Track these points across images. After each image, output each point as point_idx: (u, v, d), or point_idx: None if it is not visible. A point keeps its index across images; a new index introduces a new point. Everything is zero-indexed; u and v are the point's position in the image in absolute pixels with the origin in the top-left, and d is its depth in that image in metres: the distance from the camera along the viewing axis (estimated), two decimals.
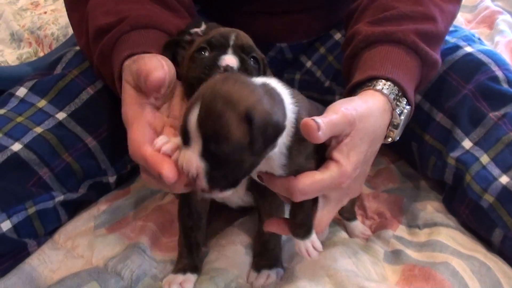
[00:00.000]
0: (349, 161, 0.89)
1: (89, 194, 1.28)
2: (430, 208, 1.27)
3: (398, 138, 1.01)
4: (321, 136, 0.82)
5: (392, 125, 0.99)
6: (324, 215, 0.93)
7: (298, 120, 0.82)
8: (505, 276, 1.08)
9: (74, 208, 1.26)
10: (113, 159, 1.28)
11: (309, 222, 0.92)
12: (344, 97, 0.99)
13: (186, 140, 0.76)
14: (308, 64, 1.53)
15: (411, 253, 1.15)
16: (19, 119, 1.19)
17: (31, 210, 1.13)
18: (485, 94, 1.21)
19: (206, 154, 0.74)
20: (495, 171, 1.14)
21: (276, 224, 0.96)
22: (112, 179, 1.31)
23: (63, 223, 1.23)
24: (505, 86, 1.22)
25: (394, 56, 1.04)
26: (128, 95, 0.94)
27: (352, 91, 1.03)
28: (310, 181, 0.86)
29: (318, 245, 0.94)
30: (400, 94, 1.00)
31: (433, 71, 1.13)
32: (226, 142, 0.73)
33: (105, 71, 1.10)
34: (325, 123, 0.82)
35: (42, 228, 1.16)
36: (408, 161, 1.42)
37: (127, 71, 0.96)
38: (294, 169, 0.86)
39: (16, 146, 1.14)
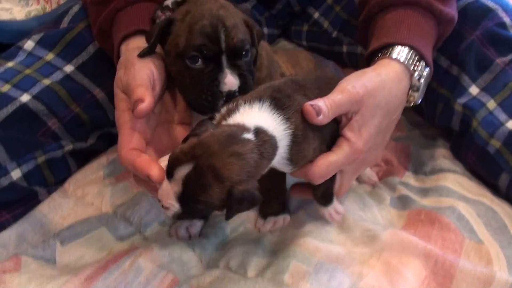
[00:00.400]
0: (361, 138, 0.93)
1: (98, 144, 1.28)
2: (437, 155, 1.26)
3: (420, 101, 1.03)
4: (323, 119, 0.87)
5: (412, 89, 1.02)
6: (342, 185, 1.00)
7: (292, 139, 0.86)
8: (511, 219, 1.08)
9: (83, 158, 1.26)
10: None
11: (329, 192, 1.01)
12: (363, 66, 1.01)
13: (169, 176, 0.80)
14: (316, 15, 1.51)
15: (417, 198, 1.15)
16: (28, 71, 1.19)
17: (41, 159, 1.14)
18: (492, 40, 1.19)
19: (181, 201, 0.80)
20: (501, 116, 1.13)
21: (300, 191, 1.05)
22: None
23: (72, 172, 1.24)
24: None
25: (409, 20, 1.03)
26: (119, 100, 0.96)
27: (369, 59, 1.04)
28: (326, 165, 0.91)
29: (340, 209, 1.05)
30: (417, 58, 1.00)
31: (450, 27, 1.12)
32: (204, 205, 0.79)
33: (106, 47, 1.15)
34: (327, 105, 0.87)
35: (52, 177, 1.17)
36: (415, 109, 1.40)
37: (118, 79, 0.98)
38: (304, 163, 0.91)
39: (25, 97, 1.15)
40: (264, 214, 1.11)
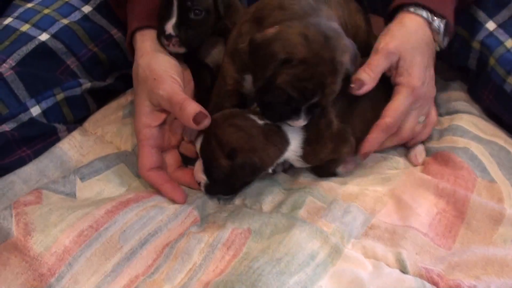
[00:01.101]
0: (412, 76, 1.02)
1: (116, 85, 1.28)
2: (454, 97, 1.24)
3: (446, 44, 1.08)
4: (369, 87, 0.99)
5: (435, 32, 1.07)
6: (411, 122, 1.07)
7: (305, 141, 0.99)
8: None
9: (102, 97, 1.27)
10: None
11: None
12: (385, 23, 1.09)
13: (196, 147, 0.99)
14: None
15: (434, 144, 1.15)
16: (46, 11, 1.20)
17: (60, 97, 1.15)
18: None
19: (206, 171, 0.98)
20: None
21: None
22: None
23: (92, 112, 1.25)
24: None
25: None
26: (144, 113, 1.04)
27: (390, 15, 1.10)
28: (392, 114, 1.01)
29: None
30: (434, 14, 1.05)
31: None
32: (216, 169, 0.95)
33: (121, 16, 1.19)
34: (367, 72, 0.99)
35: (71, 115, 1.18)
36: None
37: (142, 84, 1.04)
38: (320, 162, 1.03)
39: (44, 36, 1.16)
40: None
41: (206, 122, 0.95)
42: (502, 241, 0.93)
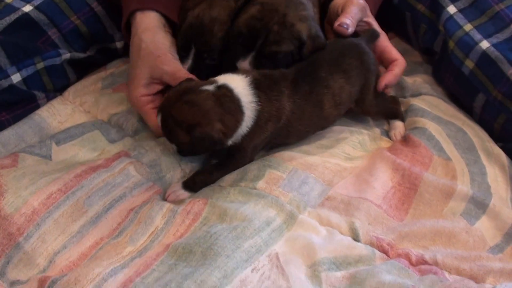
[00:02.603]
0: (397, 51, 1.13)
1: (96, 57, 1.27)
2: (419, 80, 1.24)
3: None
4: (351, 31, 1.07)
5: None
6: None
7: (257, 116, 0.96)
8: (480, 139, 1.08)
9: (82, 68, 1.25)
10: (120, 25, 1.25)
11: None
12: None
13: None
14: None
15: None
16: None
17: (40, 65, 1.14)
18: None
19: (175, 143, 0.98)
20: (476, 36, 1.11)
21: None
22: (119, 44, 1.30)
23: (71, 82, 1.24)
24: None
25: None
26: (141, 84, 1.08)
27: None
28: (391, 79, 1.09)
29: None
30: None
31: None
32: (181, 144, 0.96)
33: None
34: (350, 18, 1.07)
35: (51, 83, 1.17)
36: (402, 35, 1.37)
37: (145, 58, 1.07)
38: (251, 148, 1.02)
39: (27, 8, 1.14)
40: None
41: None
42: (451, 214, 0.94)
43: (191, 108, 0.92)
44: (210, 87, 0.94)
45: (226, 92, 0.94)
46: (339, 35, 1.08)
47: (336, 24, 1.07)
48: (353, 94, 1.06)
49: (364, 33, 1.11)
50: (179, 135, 0.93)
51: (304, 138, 1.06)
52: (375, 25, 1.13)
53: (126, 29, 1.14)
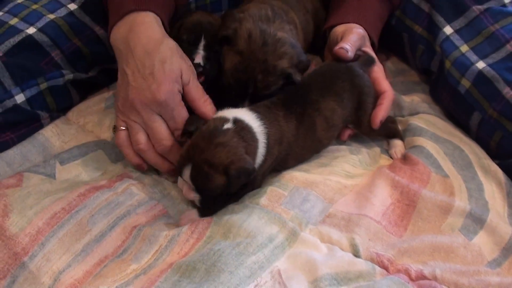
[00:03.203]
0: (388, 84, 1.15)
1: (98, 78, 1.29)
2: (417, 99, 1.26)
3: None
4: (351, 55, 1.10)
5: None
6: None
7: (267, 141, 0.99)
8: (476, 157, 1.09)
9: (84, 89, 1.27)
10: None
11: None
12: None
13: (181, 176, 0.96)
14: None
15: None
16: (34, 6, 1.21)
17: (43, 86, 1.15)
18: None
19: (199, 191, 0.96)
20: (472, 57, 1.13)
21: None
22: None
23: (74, 102, 1.25)
24: None
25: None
26: (177, 81, 1.03)
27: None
28: (390, 88, 1.13)
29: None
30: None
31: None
32: (212, 190, 0.94)
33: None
34: (349, 45, 1.10)
35: (54, 104, 1.19)
36: (400, 55, 1.39)
37: (177, 69, 1.02)
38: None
39: (31, 30, 1.16)
40: None
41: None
42: (450, 229, 0.95)
43: (223, 149, 0.92)
44: (230, 125, 0.96)
45: (241, 125, 0.96)
46: (338, 60, 1.11)
47: (337, 48, 1.09)
48: (345, 117, 1.08)
49: (360, 59, 1.14)
50: (215, 179, 0.92)
51: (302, 162, 1.08)
52: (372, 54, 1.16)
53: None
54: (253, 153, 0.96)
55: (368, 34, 1.18)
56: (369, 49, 1.17)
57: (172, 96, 1.00)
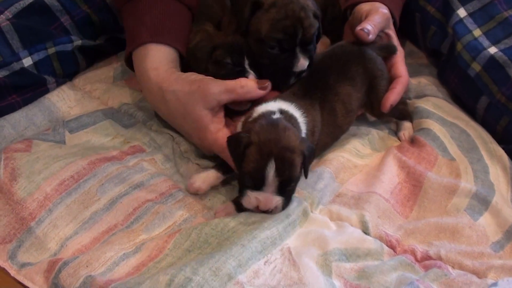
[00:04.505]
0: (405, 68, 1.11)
1: (106, 45, 1.27)
2: (424, 81, 1.25)
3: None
4: (372, 38, 1.05)
5: None
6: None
7: (308, 128, 0.96)
8: (482, 141, 1.09)
9: (91, 56, 1.25)
10: None
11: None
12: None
13: (258, 185, 0.87)
14: None
15: None
16: None
17: (51, 50, 1.13)
18: None
19: (281, 191, 0.88)
20: (485, 42, 1.13)
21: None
22: None
23: (81, 69, 1.24)
24: None
25: None
26: (208, 122, 0.98)
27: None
28: (407, 73, 1.10)
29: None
30: None
31: None
32: (296, 177, 0.89)
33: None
34: (372, 25, 1.05)
35: (61, 69, 1.17)
36: (411, 36, 1.37)
37: (191, 101, 0.97)
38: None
39: None
40: None
41: (268, 84, 0.97)
42: (455, 210, 0.95)
43: (291, 132, 0.88)
44: (279, 115, 0.92)
45: (288, 114, 0.93)
46: (358, 39, 1.07)
47: (358, 28, 1.06)
48: (360, 101, 1.07)
49: (379, 42, 1.11)
50: (297, 163, 0.87)
51: (325, 150, 1.06)
52: (395, 39, 1.13)
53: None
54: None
55: (391, 13, 1.14)
56: (392, 33, 1.14)
57: (218, 143, 0.96)
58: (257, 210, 0.88)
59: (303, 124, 0.95)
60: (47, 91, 1.15)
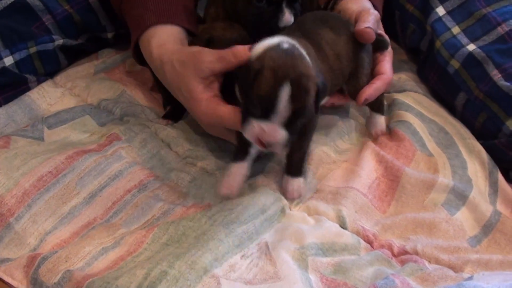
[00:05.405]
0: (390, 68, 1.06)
1: (87, 45, 1.27)
2: (404, 77, 1.25)
3: None
4: (374, 36, 1.00)
5: None
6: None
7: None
8: (461, 137, 1.10)
9: (73, 55, 1.25)
10: (113, 17, 1.25)
11: (301, 164, 0.96)
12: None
13: (266, 114, 0.78)
14: None
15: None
16: None
17: (32, 50, 1.14)
18: None
19: (288, 124, 0.79)
20: (464, 39, 1.13)
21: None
22: (110, 35, 1.29)
23: (62, 67, 1.23)
24: None
25: None
26: (199, 91, 0.92)
27: None
28: (391, 71, 1.04)
29: (303, 191, 0.96)
30: None
31: None
32: (309, 107, 0.80)
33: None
34: (367, 24, 1.00)
35: (42, 68, 1.17)
36: (391, 33, 1.36)
37: (185, 70, 0.93)
38: None
39: None
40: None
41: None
42: (433, 204, 0.96)
43: (307, 63, 0.81)
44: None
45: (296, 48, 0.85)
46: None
47: (363, 27, 0.98)
48: (348, 55, 0.99)
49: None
50: (312, 94, 0.79)
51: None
52: (387, 38, 1.09)
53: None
54: None
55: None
56: (383, 33, 1.10)
57: (210, 112, 0.92)
58: (258, 143, 0.80)
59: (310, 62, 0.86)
60: (28, 89, 1.15)
